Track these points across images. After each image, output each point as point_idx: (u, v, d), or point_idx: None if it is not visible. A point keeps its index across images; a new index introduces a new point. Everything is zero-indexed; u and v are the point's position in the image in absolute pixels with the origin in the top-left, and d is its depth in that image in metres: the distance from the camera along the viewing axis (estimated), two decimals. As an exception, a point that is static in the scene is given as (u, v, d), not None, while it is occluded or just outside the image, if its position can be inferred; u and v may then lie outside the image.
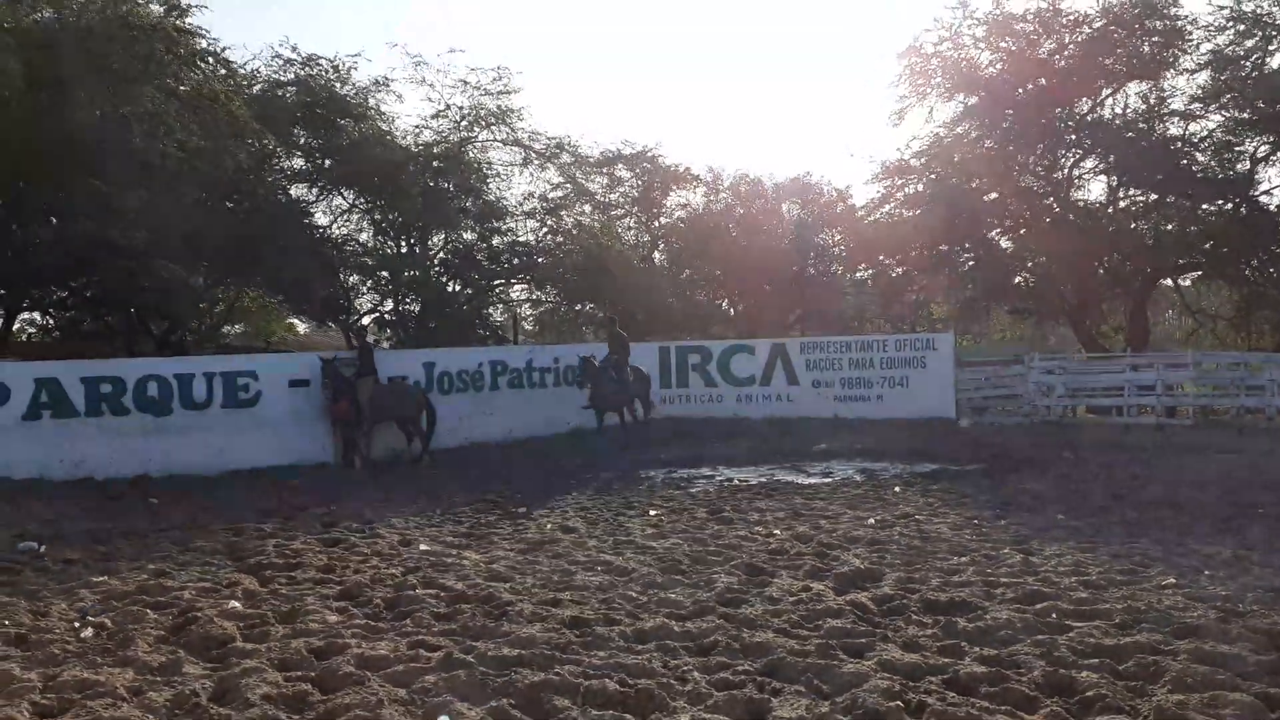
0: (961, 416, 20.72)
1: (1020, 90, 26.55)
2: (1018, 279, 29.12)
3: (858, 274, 36.79)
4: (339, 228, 28.42)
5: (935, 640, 6.35)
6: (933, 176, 28.19)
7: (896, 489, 13.21)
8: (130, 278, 18.66)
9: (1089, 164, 27.90)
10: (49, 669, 6.09)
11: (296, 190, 27.08)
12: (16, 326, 24.40)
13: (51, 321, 26.09)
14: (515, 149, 29.75)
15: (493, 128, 28.89)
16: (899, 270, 32.34)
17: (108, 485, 14.18)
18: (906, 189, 29.36)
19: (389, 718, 5.14)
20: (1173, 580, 7.67)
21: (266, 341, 28.92)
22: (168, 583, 8.39)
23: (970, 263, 29.12)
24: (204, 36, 20.28)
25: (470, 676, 5.70)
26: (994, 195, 27.86)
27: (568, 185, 32.25)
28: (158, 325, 23.46)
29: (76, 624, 7.16)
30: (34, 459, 14.20)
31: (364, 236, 29.20)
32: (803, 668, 5.78)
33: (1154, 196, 27.25)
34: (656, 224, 37.06)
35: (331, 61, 25.89)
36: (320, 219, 27.60)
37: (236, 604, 7.67)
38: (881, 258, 32.07)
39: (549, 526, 10.96)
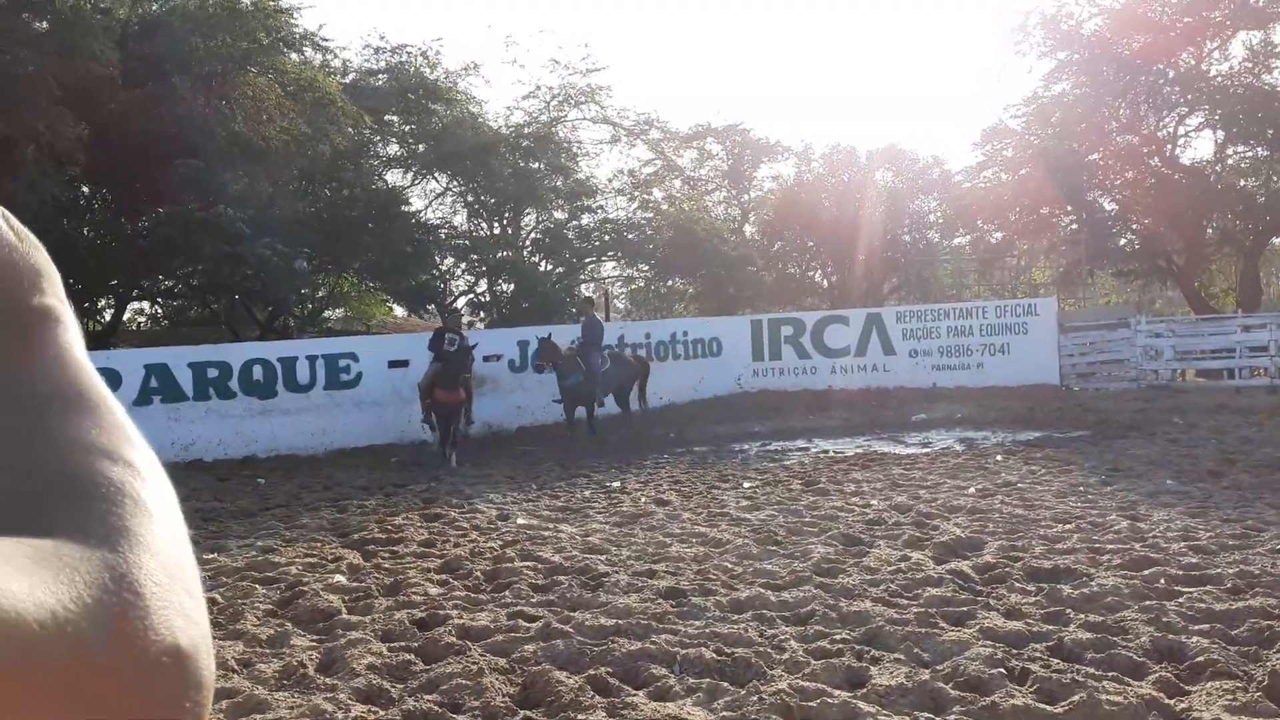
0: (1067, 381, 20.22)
1: (1122, 47, 25.68)
2: (1122, 241, 28.28)
3: (955, 241, 36.14)
4: (433, 211, 28.87)
5: (1039, 608, 6.21)
6: (1032, 138, 27.49)
7: (998, 457, 12.93)
8: (233, 262, 19.20)
9: (1194, 121, 26.93)
10: (164, 641, 6.30)
11: (392, 176, 27.59)
12: (127, 316, 25.34)
13: (160, 310, 27.05)
14: (604, 126, 29.94)
15: (582, 106, 29.10)
16: (998, 235, 31.71)
17: (216, 466, 14.66)
18: (1005, 152, 28.72)
19: (490, 686, 5.21)
20: (1289, 545, 7.38)
21: (366, 325, 29.53)
22: (275, 559, 8.63)
23: (1072, 225, 28.37)
24: (298, 21, 20.74)
25: (568, 646, 5.75)
26: (1095, 155, 27.05)
27: (657, 161, 32.28)
28: (261, 311, 24.14)
29: (189, 598, 7.39)
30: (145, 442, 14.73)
31: (458, 220, 29.65)
32: (902, 636, 5.70)
33: (1264, 152, 26.18)
34: (746, 197, 36.85)
35: (420, 48, 26.29)
36: (415, 203, 28.09)
37: (341, 578, 7.86)
38: (980, 223, 31.47)
39: (643, 500, 10.99)
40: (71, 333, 0.68)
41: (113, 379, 14.62)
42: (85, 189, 20.83)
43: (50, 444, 0.61)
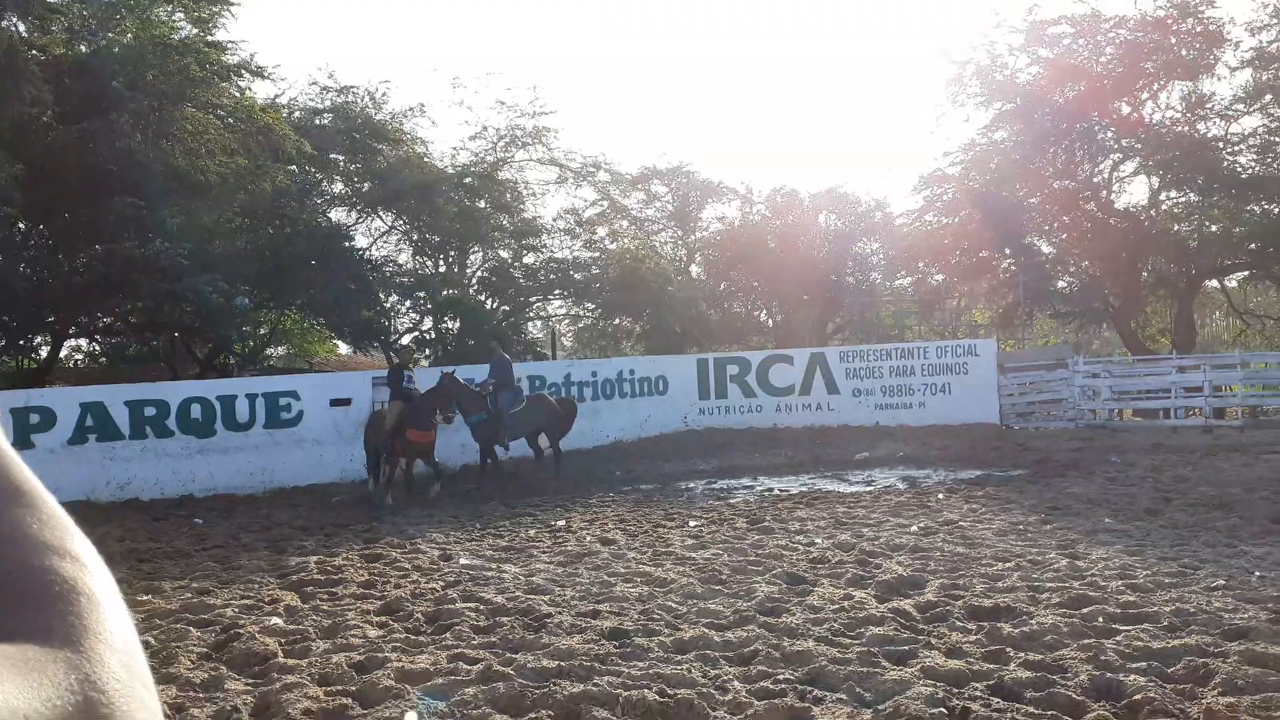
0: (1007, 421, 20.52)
1: (1058, 96, 26.36)
2: (1060, 283, 28.87)
3: (897, 282, 36.65)
4: (378, 249, 28.74)
5: (979, 646, 6.25)
6: (971, 183, 28.07)
7: (940, 496, 13.05)
8: (172, 300, 18.92)
9: (1129, 167, 27.69)
10: (94, 686, 6.12)
11: (336, 214, 27.45)
12: (64, 353, 24.84)
13: (98, 347, 26.56)
14: (551, 167, 30.01)
15: (529, 147, 29.17)
16: (939, 277, 32.21)
17: (153, 506, 14.37)
18: (945, 197, 29.26)
19: (428, 730, 5.13)
20: (1222, 582, 7.50)
21: (309, 363, 29.24)
22: (211, 601, 8.45)
23: (1011, 268, 28.92)
24: (236, 51, 20.58)
25: (509, 689, 5.68)
26: (1033, 200, 27.66)
27: (603, 202, 32.43)
28: (201, 348, 23.78)
29: (121, 642, 7.21)
30: (81, 481, 14.41)
31: (403, 258, 29.54)
32: (844, 676, 5.70)
33: (1196, 198, 26.94)
34: (693, 237, 37.13)
35: (367, 89, 26.30)
36: (360, 241, 27.96)
37: (278, 620, 7.71)
38: (921, 265, 31.97)
39: (588, 539, 10.92)
40: None
41: (48, 418, 14.43)
42: (21, 225, 20.46)
43: None
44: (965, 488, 13.69)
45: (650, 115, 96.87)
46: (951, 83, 27.45)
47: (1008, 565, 8.52)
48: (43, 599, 0.59)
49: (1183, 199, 27.84)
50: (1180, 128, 26.34)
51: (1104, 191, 27.79)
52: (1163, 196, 27.87)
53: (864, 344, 26.59)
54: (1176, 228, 27.85)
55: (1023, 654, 6.01)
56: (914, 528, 10.63)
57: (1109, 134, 26.69)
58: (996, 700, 5.24)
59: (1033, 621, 6.63)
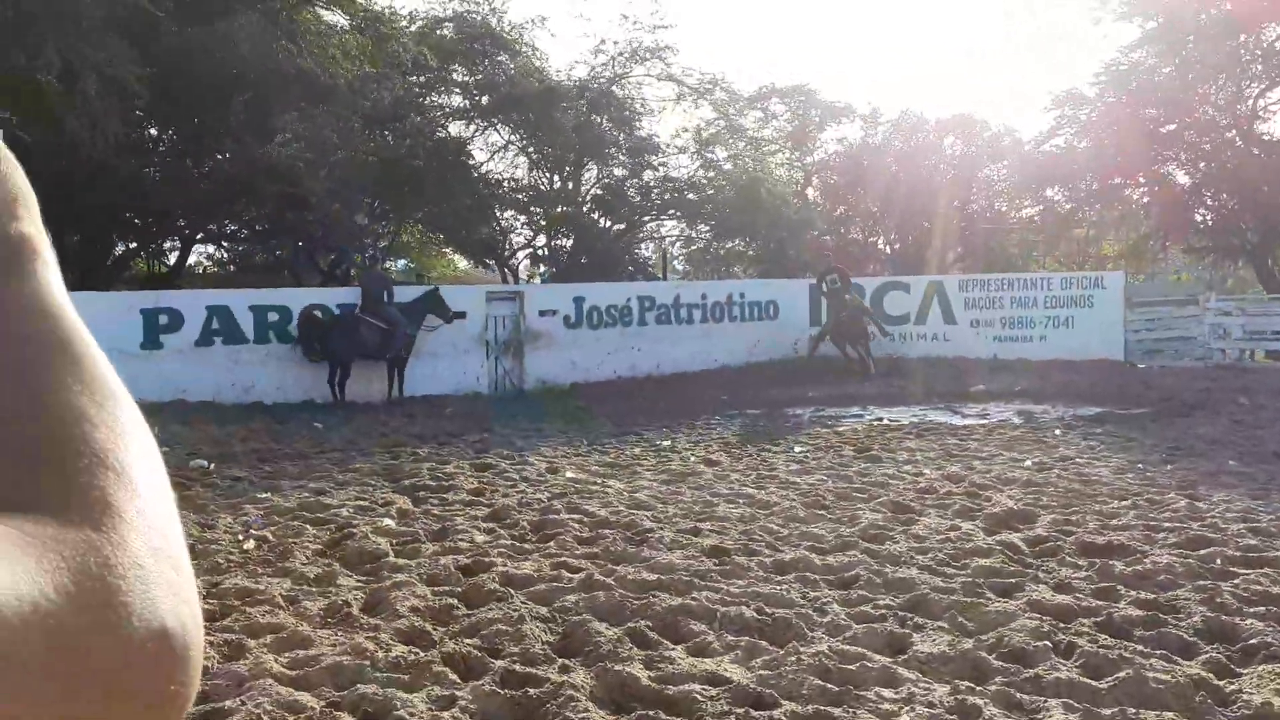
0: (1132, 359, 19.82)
1: (1203, 15, 24.85)
2: (1196, 216, 27.53)
3: (1024, 211, 35.39)
4: (495, 163, 28.87)
5: (1089, 583, 6.09)
6: (1107, 103, 26.79)
7: (1057, 432, 12.70)
8: (295, 206, 19.26)
9: (1276, 94, 26.02)
10: (213, 577, 6.42)
11: (454, 127, 27.60)
12: (194, 259, 25.71)
13: (225, 254, 27.43)
14: (669, 84, 29.64)
15: (647, 63, 28.82)
16: (1068, 205, 31.03)
17: (275, 409, 14.88)
18: (1080, 116, 28.01)
19: (530, 633, 5.24)
20: (1354, 530, 7.16)
21: (418, 276, 29.68)
22: (327, 501, 8.75)
23: (1145, 198, 27.68)
24: None
25: (610, 598, 5.76)
26: (1171, 127, 26.30)
27: (720, 121, 31.95)
28: (324, 258, 24.36)
29: (240, 537, 7.54)
30: (207, 383, 14.99)
31: (519, 173, 29.61)
32: (946, 605, 5.62)
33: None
34: (810, 159, 36.38)
35: (488, -1, 26.18)
36: (478, 155, 28.10)
37: (390, 522, 7.95)
38: (1049, 192, 30.81)
39: (692, 459, 10.97)
40: (51, 268, 0.62)
41: (176, 319, 14.98)
42: (153, 131, 21.05)
43: (31, 398, 0.57)
44: (1084, 424, 13.29)
45: (769, 37, 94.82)
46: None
47: (1124, 503, 8.26)
48: (68, 469, 0.55)
49: (1335, 129, 26.22)
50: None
51: (1248, 120, 26.28)
52: (1313, 127, 26.29)
53: (985, 274, 25.86)
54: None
55: (1134, 592, 5.84)
56: (1028, 463, 10.38)
57: (1256, 61, 25.11)
58: (1104, 637, 5.11)
59: (1147, 561, 6.43)
